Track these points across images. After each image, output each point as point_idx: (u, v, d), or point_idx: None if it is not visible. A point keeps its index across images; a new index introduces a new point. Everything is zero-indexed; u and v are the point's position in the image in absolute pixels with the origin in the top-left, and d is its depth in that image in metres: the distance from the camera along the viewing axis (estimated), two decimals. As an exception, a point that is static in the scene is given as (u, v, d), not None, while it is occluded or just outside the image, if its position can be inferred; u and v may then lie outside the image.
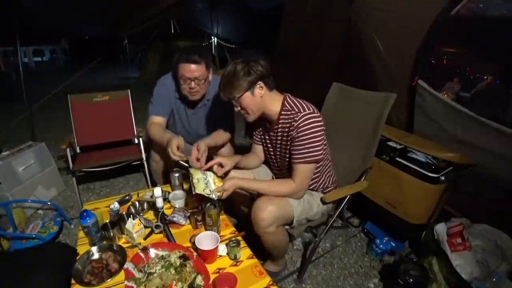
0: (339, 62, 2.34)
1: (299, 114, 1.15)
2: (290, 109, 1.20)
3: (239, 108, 1.21)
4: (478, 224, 1.49)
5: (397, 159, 1.63)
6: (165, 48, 6.70)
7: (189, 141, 1.92)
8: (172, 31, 7.25)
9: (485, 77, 1.83)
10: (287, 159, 1.29)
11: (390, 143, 1.74)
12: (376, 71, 1.98)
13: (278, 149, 1.32)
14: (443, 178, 1.48)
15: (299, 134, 1.14)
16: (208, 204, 1.21)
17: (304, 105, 1.19)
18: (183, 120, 1.79)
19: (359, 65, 2.12)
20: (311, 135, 1.14)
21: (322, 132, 1.16)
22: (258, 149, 1.49)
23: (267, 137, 1.38)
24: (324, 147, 1.21)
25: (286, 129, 1.21)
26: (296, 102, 1.21)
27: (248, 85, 1.14)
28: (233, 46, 8.43)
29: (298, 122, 1.14)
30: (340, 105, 1.73)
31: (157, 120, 1.67)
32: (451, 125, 1.71)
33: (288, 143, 1.22)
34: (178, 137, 1.41)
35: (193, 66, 1.44)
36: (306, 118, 1.13)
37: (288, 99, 1.23)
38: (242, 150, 1.60)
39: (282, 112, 1.22)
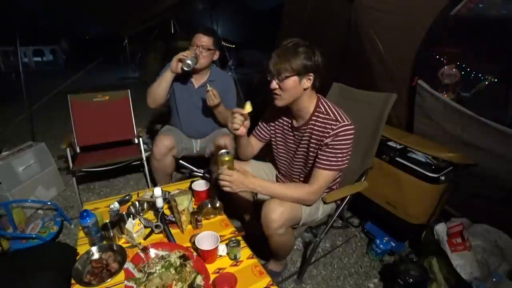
0: (339, 62, 2.34)
1: (337, 123, 1.13)
2: (325, 112, 1.17)
3: (277, 87, 1.12)
4: (478, 224, 1.49)
5: (397, 159, 1.63)
6: (165, 48, 6.70)
7: (188, 129, 1.99)
8: (172, 31, 7.25)
9: (485, 77, 1.83)
10: (307, 162, 1.27)
11: (390, 143, 1.74)
12: (376, 71, 1.98)
13: (301, 150, 1.29)
14: (443, 178, 1.48)
15: (334, 142, 1.12)
16: (222, 151, 1.13)
17: (342, 114, 1.17)
18: (183, 99, 1.90)
19: (359, 65, 2.12)
20: (345, 146, 1.13)
21: (352, 144, 1.15)
22: (258, 145, 1.46)
23: (289, 136, 1.33)
24: None
25: (317, 132, 1.18)
26: (332, 107, 1.19)
27: (302, 69, 1.07)
28: (233, 46, 8.44)
29: (336, 131, 1.12)
30: (340, 105, 1.69)
31: None
32: (451, 125, 1.71)
33: (316, 147, 1.19)
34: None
35: (202, 35, 1.75)
36: (345, 129, 1.12)
37: (323, 101, 1.21)
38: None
39: (315, 114, 1.19)
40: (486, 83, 1.80)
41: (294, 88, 1.11)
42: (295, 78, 1.09)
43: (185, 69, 1.66)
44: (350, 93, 1.71)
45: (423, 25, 1.69)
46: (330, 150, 1.13)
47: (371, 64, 1.98)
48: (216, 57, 1.85)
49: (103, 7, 4.15)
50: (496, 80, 1.73)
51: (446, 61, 1.83)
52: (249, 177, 1.14)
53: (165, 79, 1.76)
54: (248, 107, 1.18)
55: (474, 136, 1.60)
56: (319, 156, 1.16)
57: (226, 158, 1.11)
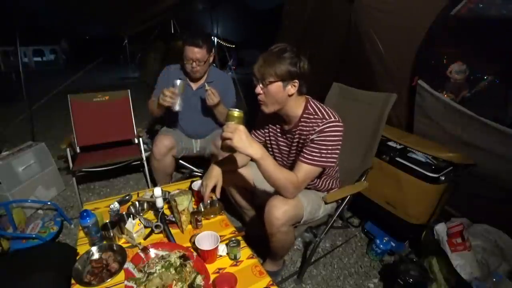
0: (339, 62, 2.34)
1: (323, 120, 1.12)
2: (313, 113, 1.16)
3: (262, 93, 1.11)
4: (478, 224, 1.49)
5: (397, 159, 1.63)
6: (165, 48, 6.70)
7: (188, 129, 2.01)
8: (172, 31, 7.25)
9: (485, 77, 1.83)
10: None
11: (390, 143, 1.74)
12: (376, 71, 1.98)
13: (293, 152, 1.29)
14: (443, 178, 1.48)
15: (319, 138, 1.11)
16: (232, 108, 1.06)
17: (329, 112, 1.15)
18: (184, 101, 1.87)
19: (359, 65, 2.12)
20: (330, 143, 1.11)
21: (341, 142, 1.14)
22: None
23: (281, 139, 1.33)
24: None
25: (305, 132, 1.17)
26: (320, 107, 1.18)
27: (286, 75, 1.06)
28: (233, 46, 8.44)
29: (322, 127, 1.11)
30: (340, 106, 1.72)
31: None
32: (451, 125, 1.71)
33: (305, 144, 1.18)
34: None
35: (196, 49, 1.68)
36: (330, 125, 1.11)
37: (311, 102, 1.20)
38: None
39: (304, 115, 1.18)
40: (486, 83, 1.80)
41: (278, 93, 1.09)
42: (279, 83, 1.08)
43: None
44: (350, 93, 1.71)
45: (423, 25, 1.69)
46: (314, 146, 1.12)
47: (371, 64, 1.98)
48: (211, 59, 1.82)
49: (103, 7, 4.15)
50: (496, 80, 1.73)
51: (446, 61, 1.83)
52: (253, 141, 1.04)
53: (159, 106, 1.73)
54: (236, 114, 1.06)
55: (474, 136, 1.60)
56: (303, 150, 1.14)
57: (236, 114, 1.04)
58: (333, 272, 1.59)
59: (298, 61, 1.06)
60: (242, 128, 1.01)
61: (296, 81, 1.09)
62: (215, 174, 1.29)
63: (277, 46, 1.10)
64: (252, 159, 1.06)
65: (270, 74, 1.06)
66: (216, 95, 1.68)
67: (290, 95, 1.12)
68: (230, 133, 0.99)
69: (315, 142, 1.12)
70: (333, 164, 1.16)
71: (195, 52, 1.68)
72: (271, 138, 1.39)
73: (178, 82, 1.61)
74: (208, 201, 1.44)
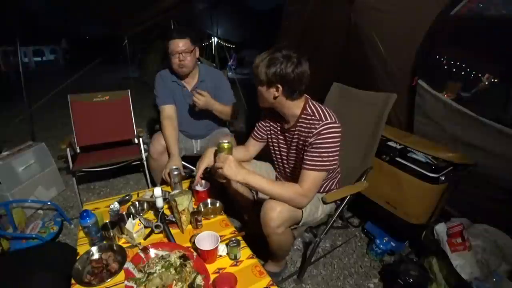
0: (339, 62, 2.34)
1: (320, 122, 1.13)
2: (311, 114, 1.17)
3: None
4: (478, 224, 1.49)
5: (397, 159, 1.63)
6: (165, 48, 6.70)
7: (188, 130, 1.99)
8: (172, 31, 7.25)
9: (485, 77, 1.83)
10: (300, 164, 1.26)
11: (390, 143, 1.74)
12: (376, 71, 1.98)
13: (293, 152, 1.30)
14: (443, 178, 1.48)
15: (317, 141, 1.12)
16: (222, 140, 1.24)
17: (326, 113, 1.16)
18: (180, 103, 1.89)
19: (359, 65, 2.11)
20: (329, 145, 1.12)
21: (339, 143, 1.15)
22: (252, 143, 1.48)
23: (281, 137, 1.35)
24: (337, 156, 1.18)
25: (304, 133, 1.18)
26: (318, 108, 1.19)
27: (264, 81, 1.11)
28: (233, 46, 8.45)
29: (319, 129, 1.12)
30: (340, 106, 1.73)
31: (168, 111, 1.84)
32: (451, 125, 1.71)
33: (304, 147, 1.19)
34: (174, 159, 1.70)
35: (179, 41, 1.67)
36: (327, 127, 1.11)
37: (310, 103, 1.21)
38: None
39: (302, 116, 1.20)
40: (486, 83, 1.80)
41: (263, 94, 1.17)
42: (262, 86, 1.14)
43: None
44: (350, 93, 1.71)
45: (423, 25, 1.69)
46: (314, 150, 1.13)
47: (371, 64, 1.98)
48: (197, 53, 1.78)
49: (103, 7, 4.15)
50: (496, 80, 1.73)
51: (446, 61, 1.83)
52: (241, 168, 1.14)
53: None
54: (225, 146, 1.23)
55: (474, 136, 1.60)
56: (305, 157, 1.16)
57: (225, 146, 1.21)
58: (333, 272, 1.59)
59: (280, 64, 1.06)
60: (231, 158, 1.14)
61: (278, 86, 1.11)
62: (208, 156, 1.38)
63: (275, 48, 1.09)
64: (245, 185, 1.15)
65: (255, 76, 1.14)
66: (204, 95, 1.67)
67: (275, 97, 1.15)
68: (221, 163, 1.13)
69: (314, 146, 1.13)
70: (335, 166, 1.17)
71: (179, 45, 1.66)
72: (272, 135, 1.40)
73: (175, 172, 1.54)
74: (209, 201, 1.44)
